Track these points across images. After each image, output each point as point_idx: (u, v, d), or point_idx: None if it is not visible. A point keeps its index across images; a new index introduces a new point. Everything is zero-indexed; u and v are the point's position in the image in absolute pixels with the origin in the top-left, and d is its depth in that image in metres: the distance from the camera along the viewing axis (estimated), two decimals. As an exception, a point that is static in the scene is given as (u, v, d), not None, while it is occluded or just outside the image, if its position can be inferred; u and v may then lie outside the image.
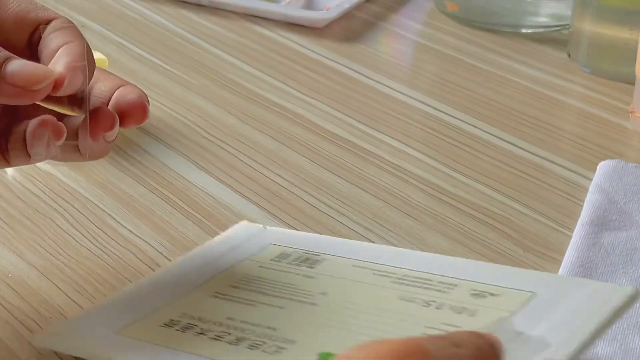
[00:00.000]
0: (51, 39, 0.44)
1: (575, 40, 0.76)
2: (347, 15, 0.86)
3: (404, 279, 0.46)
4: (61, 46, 0.44)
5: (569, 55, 0.78)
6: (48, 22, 0.45)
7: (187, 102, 0.71)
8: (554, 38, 0.82)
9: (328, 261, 0.49)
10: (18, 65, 0.42)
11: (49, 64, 0.43)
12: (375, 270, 0.47)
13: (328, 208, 0.58)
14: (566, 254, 0.53)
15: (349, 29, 0.84)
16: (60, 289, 0.50)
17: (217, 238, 0.53)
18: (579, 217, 0.56)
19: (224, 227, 0.55)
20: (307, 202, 0.59)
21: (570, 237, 0.55)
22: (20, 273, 0.51)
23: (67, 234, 0.55)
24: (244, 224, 0.54)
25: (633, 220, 0.55)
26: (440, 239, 0.55)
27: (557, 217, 0.58)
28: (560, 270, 0.52)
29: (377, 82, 0.75)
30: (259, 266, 0.49)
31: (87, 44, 0.45)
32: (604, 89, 0.73)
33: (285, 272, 0.48)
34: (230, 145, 0.65)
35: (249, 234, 0.53)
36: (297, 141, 0.66)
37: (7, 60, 0.42)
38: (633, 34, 0.72)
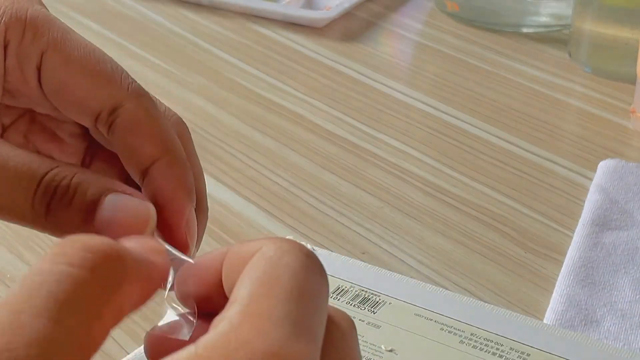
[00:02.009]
0: (129, 148, 0.35)
1: (576, 40, 0.76)
2: (347, 15, 0.86)
3: (472, 339, 0.45)
4: (146, 166, 0.34)
5: (570, 55, 0.77)
6: (114, 108, 0.36)
7: (186, 101, 0.71)
8: (555, 38, 0.82)
9: (389, 305, 0.47)
10: (111, 205, 0.32)
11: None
12: (442, 324, 0.46)
13: (328, 208, 0.58)
14: (567, 254, 0.53)
15: (349, 29, 0.84)
16: (60, 290, 0.50)
17: None
18: (579, 217, 0.56)
19: (223, 227, 0.55)
20: (307, 202, 0.59)
21: (571, 237, 0.55)
22: (18, 273, 0.51)
23: (66, 234, 0.55)
24: None
25: (634, 220, 0.55)
26: (440, 239, 0.55)
27: (557, 217, 0.57)
28: (562, 270, 0.52)
29: (377, 82, 0.75)
30: None
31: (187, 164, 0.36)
32: (605, 88, 0.73)
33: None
34: (230, 145, 0.65)
35: None
36: (297, 141, 0.66)
37: (103, 194, 0.32)
38: (634, 33, 0.72)
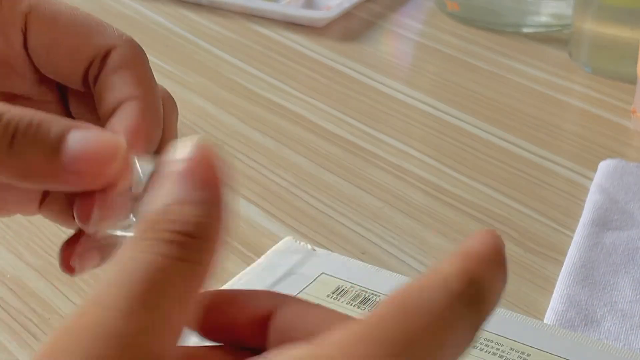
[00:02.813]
0: (110, 86, 0.35)
1: (576, 40, 0.76)
2: (347, 15, 0.86)
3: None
4: (121, 102, 0.34)
5: (570, 55, 0.77)
6: (107, 52, 0.36)
7: (186, 101, 0.71)
8: (555, 37, 0.82)
9: None
10: (80, 140, 0.30)
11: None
12: None
13: (328, 208, 0.58)
14: (568, 254, 0.53)
15: (349, 29, 0.84)
16: (59, 290, 0.50)
17: (263, 260, 0.51)
18: (580, 217, 0.56)
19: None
20: (307, 202, 0.59)
21: (571, 237, 0.55)
22: (18, 273, 0.51)
23: (66, 234, 0.55)
24: (289, 241, 0.53)
25: (634, 220, 0.55)
26: (440, 239, 0.55)
27: (558, 217, 0.57)
28: (562, 270, 0.52)
29: (377, 82, 0.75)
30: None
31: (155, 87, 0.36)
32: (605, 88, 0.73)
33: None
34: (230, 146, 0.65)
35: (299, 258, 0.51)
36: (297, 141, 0.66)
37: (66, 131, 0.31)
38: (634, 33, 0.72)
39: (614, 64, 0.74)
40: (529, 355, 0.44)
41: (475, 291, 0.24)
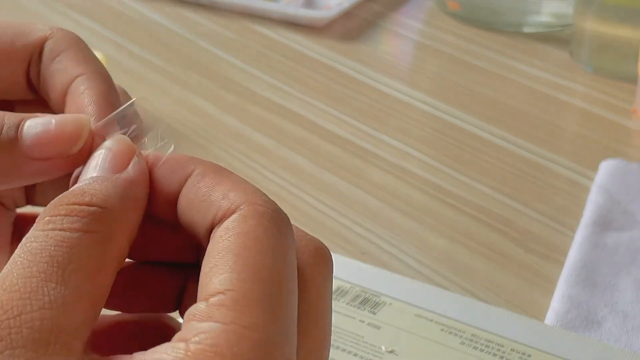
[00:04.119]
0: (53, 74, 0.33)
1: (577, 40, 0.76)
2: (347, 15, 0.86)
3: (473, 340, 0.45)
4: (68, 84, 0.33)
5: (571, 55, 0.77)
6: (40, 46, 0.34)
7: (185, 101, 0.71)
8: (556, 37, 0.81)
9: (389, 305, 0.47)
10: (38, 126, 0.30)
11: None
12: (443, 325, 0.46)
13: (328, 208, 0.58)
14: (569, 255, 0.53)
15: (349, 28, 0.84)
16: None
17: None
18: (581, 217, 0.56)
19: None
20: (307, 202, 0.58)
21: (572, 237, 0.54)
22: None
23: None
24: None
25: (636, 220, 0.55)
26: (440, 239, 0.55)
27: (559, 217, 0.57)
28: (563, 271, 0.51)
29: (377, 82, 0.75)
30: None
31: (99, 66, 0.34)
32: (606, 88, 0.73)
33: (348, 316, 0.46)
34: (230, 145, 0.65)
35: None
36: (297, 141, 0.66)
37: (21, 122, 0.30)
38: (635, 33, 0.71)
39: (614, 63, 0.74)
40: (529, 356, 0.44)
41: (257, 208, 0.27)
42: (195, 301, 0.25)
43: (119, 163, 0.27)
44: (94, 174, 0.27)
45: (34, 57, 0.34)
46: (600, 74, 0.75)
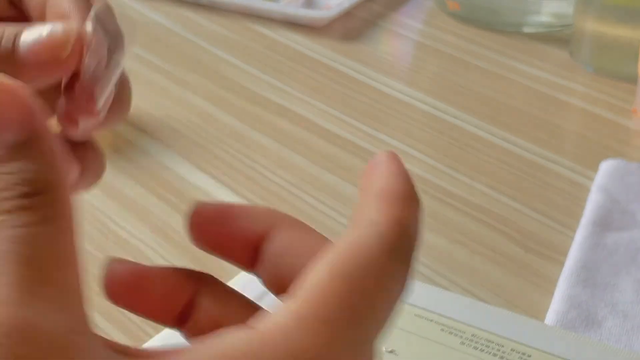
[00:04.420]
0: None
1: (577, 40, 0.76)
2: (347, 15, 0.86)
3: (474, 340, 0.45)
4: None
5: (571, 55, 0.77)
6: None
7: (186, 101, 0.71)
8: (556, 37, 0.81)
9: None
10: (32, 35, 0.32)
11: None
12: (443, 325, 0.46)
13: (328, 208, 0.58)
14: (569, 255, 0.53)
15: (349, 28, 0.84)
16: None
17: None
18: (581, 217, 0.56)
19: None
20: (307, 202, 0.58)
21: (572, 237, 0.54)
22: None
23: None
24: None
25: (636, 221, 0.55)
26: (440, 239, 0.55)
27: (559, 217, 0.57)
28: (563, 271, 0.51)
29: (377, 82, 0.75)
30: None
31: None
32: (606, 88, 0.73)
33: None
34: (230, 146, 0.65)
35: None
36: (297, 141, 0.65)
37: (18, 33, 0.32)
38: (635, 33, 0.71)
39: (615, 63, 0.74)
40: (529, 356, 0.44)
41: (407, 239, 0.25)
42: (209, 319, 0.25)
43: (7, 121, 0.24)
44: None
45: None
46: (600, 74, 0.75)
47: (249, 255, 0.29)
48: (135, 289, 0.29)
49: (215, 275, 0.29)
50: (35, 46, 0.32)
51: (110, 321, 0.48)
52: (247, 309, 0.29)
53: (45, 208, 0.23)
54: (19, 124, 0.23)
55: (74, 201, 0.24)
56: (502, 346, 0.44)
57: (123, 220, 0.56)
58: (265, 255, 0.28)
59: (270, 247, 0.28)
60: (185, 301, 0.29)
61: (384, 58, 0.80)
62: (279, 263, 0.28)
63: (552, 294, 0.50)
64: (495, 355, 0.44)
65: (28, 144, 0.23)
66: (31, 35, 0.32)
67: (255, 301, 0.31)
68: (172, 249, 0.53)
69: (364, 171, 0.26)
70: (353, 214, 0.25)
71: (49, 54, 0.32)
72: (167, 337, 0.44)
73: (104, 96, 0.33)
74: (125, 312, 0.48)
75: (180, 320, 0.29)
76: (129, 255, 0.53)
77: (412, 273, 0.25)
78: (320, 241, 0.27)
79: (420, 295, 0.48)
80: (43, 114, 0.24)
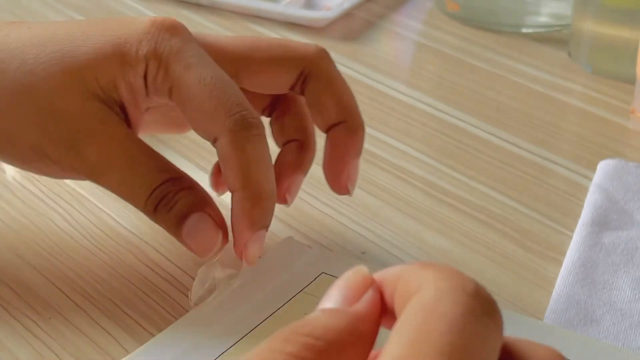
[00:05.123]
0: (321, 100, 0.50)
1: (576, 40, 0.76)
2: (347, 15, 0.86)
3: None
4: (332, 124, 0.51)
5: (570, 55, 0.78)
6: (303, 59, 0.49)
7: (187, 102, 0.71)
8: (555, 38, 0.82)
9: None
10: (194, 225, 0.44)
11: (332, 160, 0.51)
12: None
13: (328, 208, 0.58)
14: (567, 254, 0.53)
15: (349, 29, 0.84)
16: (60, 289, 0.50)
17: (263, 259, 0.50)
18: (579, 216, 0.56)
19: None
20: (307, 202, 0.59)
21: (570, 237, 0.55)
22: (19, 273, 0.51)
23: (67, 234, 0.55)
24: (289, 241, 0.53)
25: (634, 220, 0.55)
26: (440, 239, 0.55)
27: (557, 217, 0.57)
28: (562, 270, 0.52)
29: (377, 82, 0.75)
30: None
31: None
32: (605, 88, 0.73)
33: None
34: (230, 145, 0.65)
35: (299, 258, 0.51)
36: (297, 141, 0.66)
37: (184, 217, 0.45)
38: (634, 33, 0.72)
39: (613, 64, 0.74)
40: None
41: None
42: None
43: (351, 295, 0.27)
44: (327, 306, 0.27)
45: (303, 74, 0.49)
46: (598, 74, 0.75)
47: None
48: None
49: None
50: (193, 236, 0.44)
51: (112, 319, 0.48)
52: None
53: (306, 351, 0.25)
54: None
55: None
56: None
57: (124, 219, 0.56)
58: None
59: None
60: None
61: (384, 58, 0.80)
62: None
63: (550, 293, 0.50)
64: None
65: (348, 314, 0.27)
66: (196, 224, 0.45)
67: None
68: (173, 248, 0.53)
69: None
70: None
71: (198, 247, 0.45)
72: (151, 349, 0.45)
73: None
74: (128, 311, 0.48)
75: None
76: (131, 254, 0.53)
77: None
78: None
79: None
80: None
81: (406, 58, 0.82)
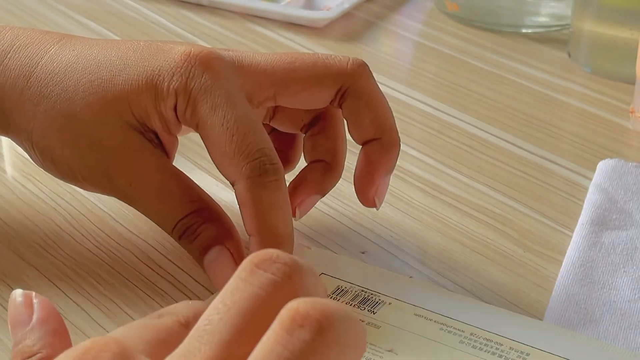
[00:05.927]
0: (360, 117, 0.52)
1: (576, 40, 0.76)
2: (347, 15, 0.86)
3: (472, 339, 0.45)
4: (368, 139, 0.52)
5: (569, 55, 0.78)
6: (342, 75, 0.50)
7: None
8: (554, 38, 0.82)
9: (389, 305, 0.47)
10: (213, 258, 0.46)
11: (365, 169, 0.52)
12: (442, 324, 0.46)
13: (328, 208, 0.58)
14: (567, 254, 0.53)
15: (349, 29, 0.84)
16: (60, 289, 0.50)
17: None
18: (579, 216, 0.56)
19: (224, 227, 0.54)
20: (307, 202, 0.59)
21: (570, 236, 0.55)
22: (19, 273, 0.51)
23: (67, 234, 0.55)
24: None
25: (633, 220, 0.55)
26: (440, 239, 0.55)
27: (557, 216, 0.57)
28: (561, 270, 0.52)
29: (377, 82, 0.75)
30: None
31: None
32: (604, 88, 0.73)
33: None
34: (230, 145, 0.65)
35: (298, 258, 0.51)
36: (297, 141, 0.66)
37: (206, 249, 0.47)
38: (633, 33, 0.72)
39: (613, 64, 0.74)
40: (528, 354, 0.44)
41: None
42: None
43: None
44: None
45: (342, 87, 0.50)
46: (598, 74, 0.75)
47: None
48: None
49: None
50: (212, 267, 0.46)
51: (112, 319, 0.48)
52: None
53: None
54: None
55: None
56: (501, 345, 0.45)
57: (124, 219, 0.56)
58: None
59: None
60: None
61: (384, 58, 0.80)
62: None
63: (550, 292, 0.50)
64: (494, 354, 0.44)
65: None
66: (217, 256, 0.46)
67: None
68: (173, 248, 0.53)
69: None
70: None
71: (216, 278, 0.47)
72: None
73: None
74: (129, 310, 0.48)
75: None
76: (131, 254, 0.53)
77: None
78: None
79: (419, 295, 0.48)
80: None
81: (406, 58, 0.82)
